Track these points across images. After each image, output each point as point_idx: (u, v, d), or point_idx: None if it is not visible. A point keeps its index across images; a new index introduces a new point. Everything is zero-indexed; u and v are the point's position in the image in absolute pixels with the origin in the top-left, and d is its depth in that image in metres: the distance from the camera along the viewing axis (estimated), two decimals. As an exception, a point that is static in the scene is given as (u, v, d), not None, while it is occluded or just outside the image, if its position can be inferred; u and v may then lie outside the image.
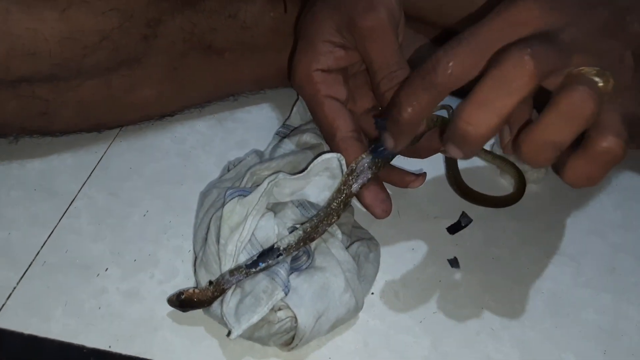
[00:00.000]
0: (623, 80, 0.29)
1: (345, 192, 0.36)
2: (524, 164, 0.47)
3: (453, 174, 0.46)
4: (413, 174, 0.44)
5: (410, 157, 0.42)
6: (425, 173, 0.44)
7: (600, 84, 0.28)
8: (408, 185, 0.44)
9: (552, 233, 0.44)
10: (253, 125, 0.50)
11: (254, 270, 0.34)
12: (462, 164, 0.48)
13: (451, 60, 0.29)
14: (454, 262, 0.41)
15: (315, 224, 0.35)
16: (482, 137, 0.28)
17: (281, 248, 0.34)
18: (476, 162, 0.49)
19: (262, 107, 0.52)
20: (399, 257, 0.42)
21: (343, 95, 0.39)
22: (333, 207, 0.36)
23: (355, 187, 0.36)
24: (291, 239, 0.34)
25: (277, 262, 0.34)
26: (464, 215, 0.44)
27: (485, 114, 0.27)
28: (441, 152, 0.41)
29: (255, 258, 0.34)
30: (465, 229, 0.44)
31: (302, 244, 0.35)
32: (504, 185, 0.48)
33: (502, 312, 0.39)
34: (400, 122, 0.32)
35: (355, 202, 0.43)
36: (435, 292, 0.40)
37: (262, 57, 0.49)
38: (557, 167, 0.30)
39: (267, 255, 0.34)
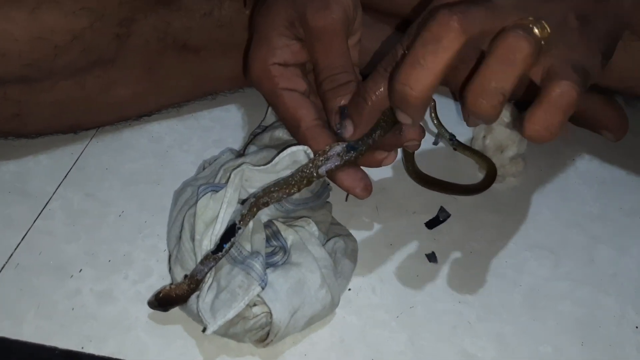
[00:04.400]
0: (568, 39, 0.30)
1: (310, 169, 0.35)
2: (503, 159, 0.47)
3: (410, 165, 0.46)
4: (384, 151, 0.43)
5: (372, 166, 0.41)
6: (396, 151, 0.43)
7: (535, 30, 0.29)
8: (382, 163, 0.41)
9: (530, 226, 0.44)
10: (231, 123, 0.50)
11: (220, 253, 0.34)
12: (443, 162, 0.48)
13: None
14: (431, 257, 0.41)
15: (268, 190, 0.35)
16: (420, 96, 0.29)
17: (237, 221, 0.34)
18: (457, 158, 0.49)
19: (240, 106, 0.51)
20: (377, 253, 0.41)
21: (302, 87, 0.38)
22: (295, 179, 0.35)
23: (322, 169, 0.35)
24: (243, 209, 0.34)
25: (240, 235, 0.34)
26: (442, 210, 0.44)
27: (418, 73, 0.29)
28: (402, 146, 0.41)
29: (218, 242, 0.34)
30: (443, 224, 0.44)
31: (255, 209, 0.35)
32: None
33: (479, 305, 0.39)
34: (364, 109, 0.32)
35: (332, 198, 0.42)
36: (412, 287, 0.39)
37: (238, 55, 0.48)
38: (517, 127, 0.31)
39: (228, 235, 0.34)
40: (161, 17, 0.44)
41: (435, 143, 0.50)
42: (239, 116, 0.50)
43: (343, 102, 0.37)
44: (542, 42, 0.29)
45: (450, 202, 0.45)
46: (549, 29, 0.30)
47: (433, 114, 0.49)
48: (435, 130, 0.49)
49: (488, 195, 0.46)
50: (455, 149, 0.49)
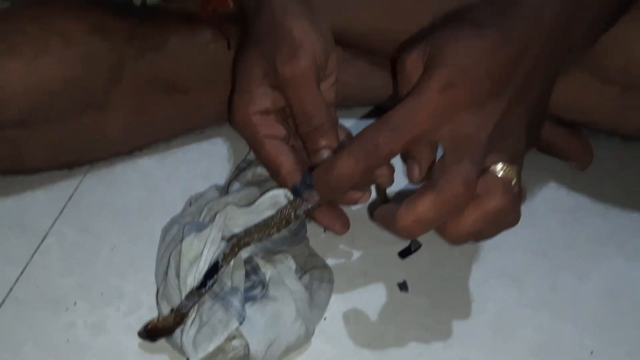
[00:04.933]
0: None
1: (289, 210, 0.38)
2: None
3: (382, 198, 0.49)
4: (359, 191, 0.45)
5: (349, 204, 0.45)
6: (370, 189, 0.45)
7: (514, 181, 0.34)
8: (357, 202, 0.44)
9: (497, 254, 0.47)
10: (218, 156, 0.53)
11: (204, 289, 0.37)
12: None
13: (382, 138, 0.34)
14: (403, 286, 0.44)
15: (249, 231, 0.38)
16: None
17: (219, 260, 0.37)
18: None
19: (226, 139, 0.54)
20: (352, 282, 0.44)
21: (282, 133, 0.41)
22: (275, 221, 0.38)
23: (300, 210, 0.38)
24: (226, 249, 0.37)
25: (222, 273, 0.37)
26: (413, 240, 0.47)
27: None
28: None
29: (202, 279, 0.37)
30: (415, 254, 0.46)
31: (236, 249, 0.38)
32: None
33: (446, 332, 0.42)
34: (329, 183, 0.36)
35: (312, 230, 0.45)
36: (383, 315, 0.42)
37: (225, 92, 0.51)
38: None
39: (211, 272, 0.37)
40: (149, 62, 0.47)
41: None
42: (225, 149, 0.53)
43: (324, 142, 0.40)
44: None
45: (422, 232, 0.48)
46: (518, 171, 0.35)
47: None
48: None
49: (458, 225, 0.49)
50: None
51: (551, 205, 0.52)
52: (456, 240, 0.35)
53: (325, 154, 0.40)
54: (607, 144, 0.54)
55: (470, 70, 0.33)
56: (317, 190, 0.37)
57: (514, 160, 0.35)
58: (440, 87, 0.33)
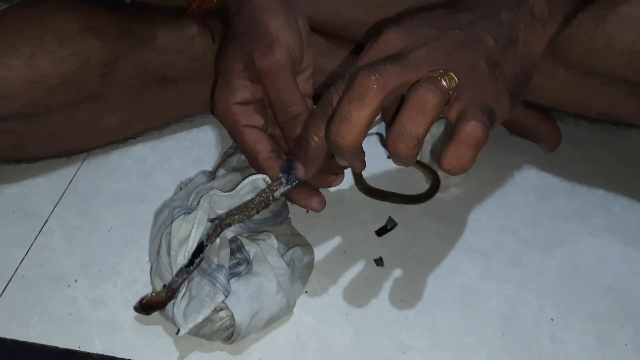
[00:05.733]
0: (477, 83, 0.36)
1: (267, 193, 0.41)
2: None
3: (358, 181, 0.53)
4: (333, 174, 0.48)
5: (323, 187, 0.47)
6: (344, 173, 0.48)
7: (443, 82, 0.34)
8: (331, 184, 0.47)
9: (468, 232, 0.51)
10: (207, 144, 0.56)
11: (192, 267, 0.40)
12: (394, 174, 0.54)
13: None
14: (379, 262, 0.48)
15: (230, 213, 0.41)
16: (351, 144, 0.35)
17: (204, 240, 0.40)
18: (407, 171, 0.55)
19: (215, 126, 0.58)
20: (332, 259, 0.48)
21: (260, 123, 0.44)
22: (254, 203, 0.41)
23: (277, 193, 0.41)
24: (210, 229, 0.41)
25: (208, 251, 0.41)
26: (390, 219, 0.51)
27: (347, 126, 0.34)
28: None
29: (190, 257, 0.41)
30: (391, 232, 0.50)
31: (219, 229, 0.41)
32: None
33: (417, 303, 0.45)
34: (309, 150, 0.38)
35: (295, 211, 0.49)
36: (360, 288, 0.46)
37: (211, 83, 0.54)
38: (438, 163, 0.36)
39: (198, 252, 0.41)
40: (140, 56, 0.50)
41: (389, 156, 0.56)
42: (213, 136, 0.57)
43: (299, 130, 0.43)
44: (451, 92, 0.35)
45: (398, 211, 0.51)
46: (456, 80, 0.35)
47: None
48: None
49: (432, 205, 0.52)
50: (406, 163, 0.55)
51: (521, 185, 0.55)
52: (398, 136, 0.35)
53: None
54: (574, 127, 0.57)
55: (408, 20, 0.37)
56: (299, 161, 0.40)
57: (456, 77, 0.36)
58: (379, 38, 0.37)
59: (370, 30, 0.53)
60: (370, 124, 0.35)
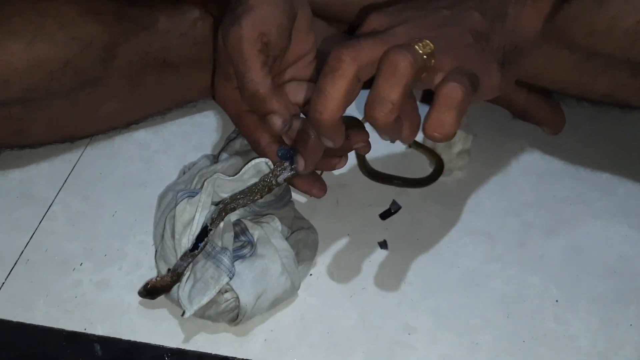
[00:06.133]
0: (462, 53, 0.36)
1: (270, 178, 0.41)
2: (450, 154, 0.53)
3: (362, 163, 0.52)
4: (336, 157, 0.48)
5: (326, 170, 0.47)
6: (347, 155, 0.48)
7: (416, 47, 0.34)
8: (335, 167, 0.47)
9: (472, 214, 0.51)
10: (209, 128, 0.56)
11: (196, 251, 0.40)
12: (399, 158, 0.54)
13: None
14: (383, 245, 0.48)
15: (234, 197, 0.41)
16: (329, 119, 0.35)
17: (208, 224, 0.40)
18: (411, 155, 0.55)
19: (217, 111, 0.57)
20: (336, 242, 0.48)
21: None
22: (258, 188, 0.41)
23: (280, 178, 0.41)
24: (214, 213, 0.41)
25: (212, 234, 0.41)
26: (394, 202, 0.51)
27: (323, 100, 0.34)
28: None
29: (194, 241, 0.41)
30: (395, 215, 0.50)
31: (223, 213, 0.41)
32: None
33: (421, 285, 0.45)
34: (308, 143, 0.38)
35: (299, 195, 0.49)
36: (365, 271, 0.46)
37: (212, 68, 0.54)
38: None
39: (202, 235, 0.41)
40: (141, 40, 0.49)
41: (392, 141, 0.56)
42: (215, 121, 0.57)
43: (264, 109, 0.42)
44: (425, 57, 0.34)
45: (401, 195, 0.51)
46: (432, 46, 0.34)
47: None
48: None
49: (436, 188, 0.52)
50: (409, 146, 0.55)
51: (524, 169, 0.55)
52: (372, 102, 0.35)
53: (272, 119, 0.42)
54: (577, 110, 0.57)
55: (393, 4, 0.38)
56: (300, 155, 0.40)
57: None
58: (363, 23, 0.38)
59: (358, 15, 0.52)
60: (347, 97, 0.35)
